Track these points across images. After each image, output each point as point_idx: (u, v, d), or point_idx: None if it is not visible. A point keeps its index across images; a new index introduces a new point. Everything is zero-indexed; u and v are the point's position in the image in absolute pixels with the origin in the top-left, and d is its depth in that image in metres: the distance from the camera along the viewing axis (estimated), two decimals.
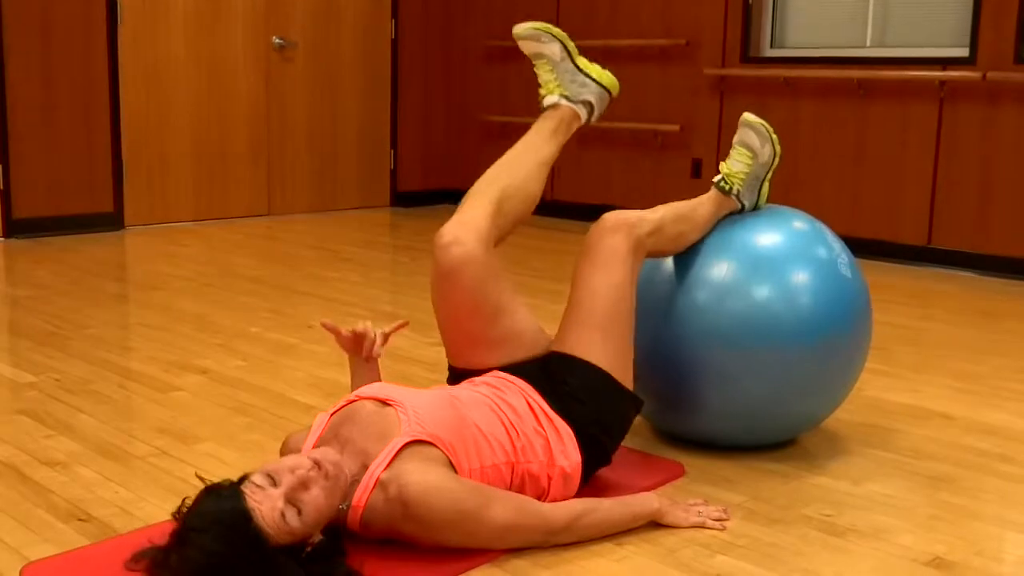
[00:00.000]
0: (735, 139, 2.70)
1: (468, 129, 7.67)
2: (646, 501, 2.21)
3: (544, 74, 2.66)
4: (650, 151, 6.61)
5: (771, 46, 6.15)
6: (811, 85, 5.86)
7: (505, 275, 2.35)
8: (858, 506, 2.35)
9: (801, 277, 2.51)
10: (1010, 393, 3.26)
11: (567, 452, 2.21)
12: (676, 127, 6.40)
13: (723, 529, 2.20)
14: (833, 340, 2.53)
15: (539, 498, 2.19)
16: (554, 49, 2.61)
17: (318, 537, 1.87)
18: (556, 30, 2.62)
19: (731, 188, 2.63)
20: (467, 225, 2.30)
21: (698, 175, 6.33)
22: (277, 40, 6.84)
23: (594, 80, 2.64)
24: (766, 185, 2.71)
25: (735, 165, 2.66)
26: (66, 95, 5.97)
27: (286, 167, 7.02)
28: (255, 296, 4.50)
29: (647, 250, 2.47)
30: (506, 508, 2.01)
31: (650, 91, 6.59)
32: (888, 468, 2.59)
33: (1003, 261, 5.26)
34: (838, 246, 2.64)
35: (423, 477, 1.93)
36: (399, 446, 1.98)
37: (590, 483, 2.32)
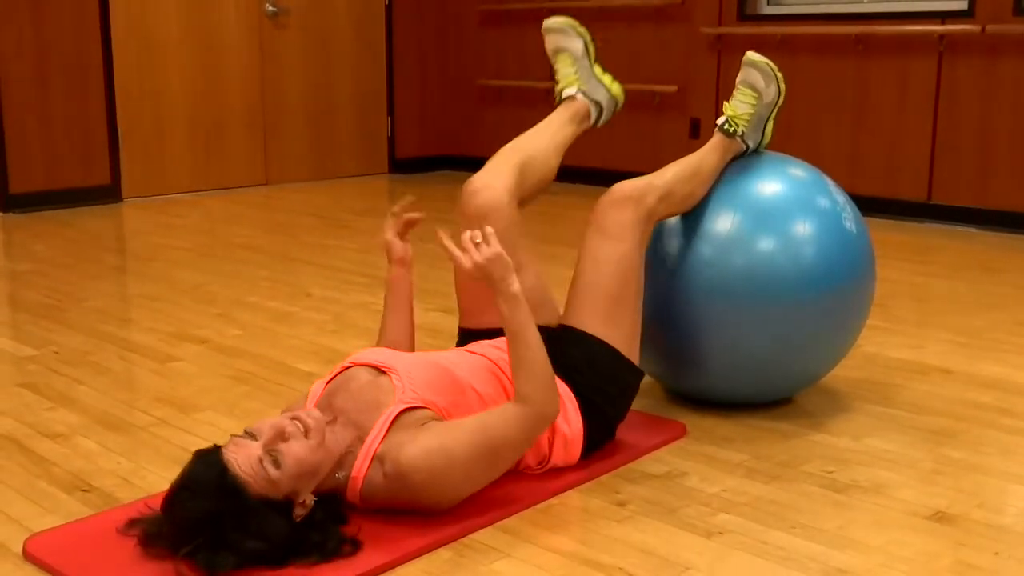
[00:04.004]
0: (739, 79, 2.64)
1: (465, 94, 7.63)
2: (504, 311, 2.03)
3: (564, 68, 2.68)
4: (648, 112, 6.58)
5: (768, 3, 6.10)
6: (809, 42, 5.81)
7: (526, 237, 2.39)
8: (859, 462, 2.35)
9: (804, 229, 2.48)
10: (1010, 347, 3.25)
11: (568, 417, 2.21)
12: (674, 88, 6.36)
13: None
14: (837, 293, 2.51)
15: (540, 463, 2.21)
16: (578, 45, 2.68)
17: (310, 499, 1.87)
18: (582, 28, 2.68)
19: (735, 130, 2.59)
20: (496, 175, 2.38)
21: (696, 135, 6.30)
22: (270, 7, 6.78)
23: (606, 88, 2.68)
24: (770, 124, 2.67)
25: (739, 107, 2.61)
26: (60, 68, 5.93)
27: (282, 136, 6.99)
28: (253, 265, 4.49)
29: (657, 218, 2.46)
30: (492, 438, 1.99)
31: (646, 51, 6.54)
32: (889, 423, 2.59)
33: (1003, 216, 5.24)
34: (842, 199, 2.61)
35: (414, 448, 1.92)
36: (393, 416, 1.98)
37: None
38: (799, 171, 2.62)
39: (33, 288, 4.08)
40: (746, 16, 6.06)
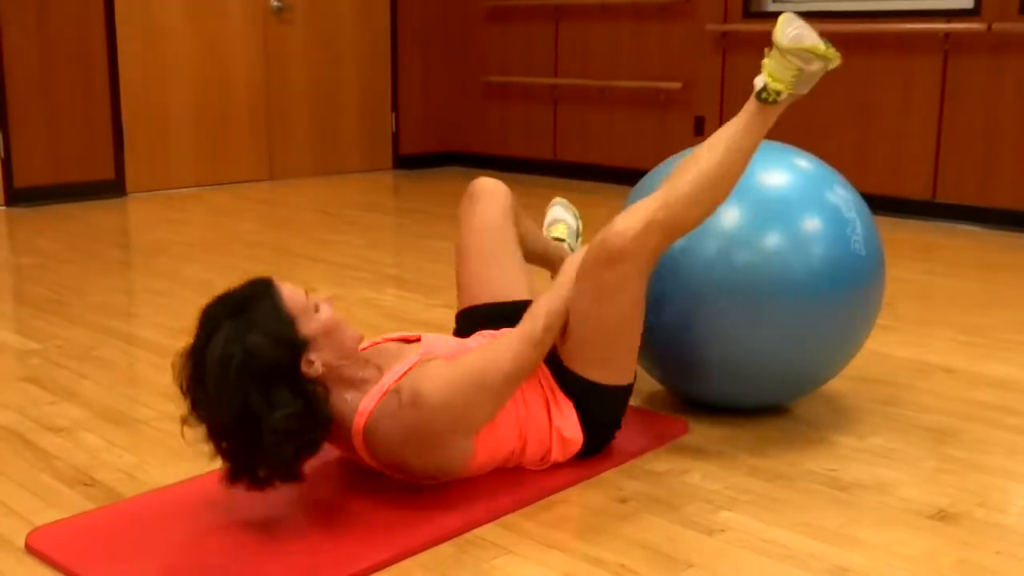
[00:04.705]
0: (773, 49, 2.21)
1: (469, 90, 7.62)
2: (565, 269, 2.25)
3: (559, 231, 2.93)
4: (653, 109, 6.57)
5: (773, 0, 6.09)
6: None
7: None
8: (862, 460, 2.35)
9: (814, 227, 2.38)
10: (1014, 346, 3.25)
11: (564, 415, 2.21)
12: (678, 85, 6.35)
13: None
14: (846, 295, 2.42)
15: (543, 458, 2.22)
16: (573, 225, 2.98)
17: (319, 368, 1.94)
18: (579, 219, 3.03)
19: (777, 99, 2.18)
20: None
21: (701, 132, 6.30)
22: (275, 2, 6.78)
23: None
24: (830, 55, 2.17)
25: (779, 71, 2.17)
26: (64, 62, 5.93)
27: (287, 131, 7.00)
28: (257, 261, 4.49)
29: (665, 248, 2.20)
30: (499, 355, 2.06)
31: (651, 49, 6.54)
32: (892, 422, 2.59)
33: (1007, 215, 5.24)
34: (853, 197, 2.49)
35: (432, 376, 1.98)
36: (415, 360, 2.06)
37: None
38: (809, 165, 2.52)
39: (37, 282, 4.09)
40: (751, 13, 6.06)
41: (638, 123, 6.66)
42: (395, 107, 7.50)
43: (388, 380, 2.03)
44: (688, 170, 2.17)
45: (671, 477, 2.25)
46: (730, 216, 2.40)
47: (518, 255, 2.53)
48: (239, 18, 6.66)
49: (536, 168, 7.09)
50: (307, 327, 1.96)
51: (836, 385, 2.83)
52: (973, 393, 2.81)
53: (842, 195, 2.49)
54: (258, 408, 1.86)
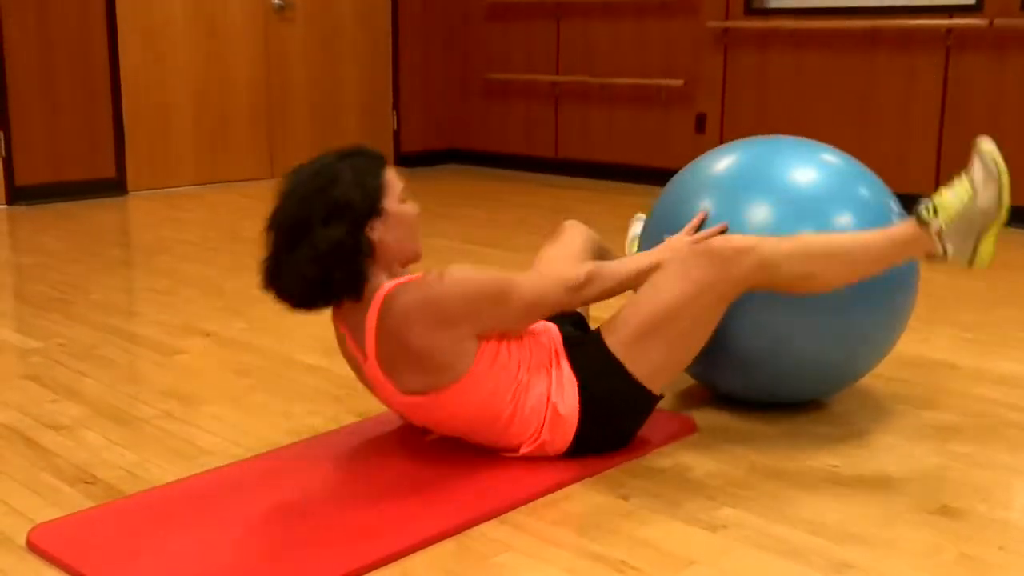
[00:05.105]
0: (966, 168, 2.27)
1: (470, 88, 7.62)
2: (654, 255, 2.31)
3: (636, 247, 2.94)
4: (654, 106, 6.57)
5: None
6: (816, 36, 5.79)
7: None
8: (864, 456, 2.35)
9: (848, 223, 2.37)
10: (1018, 343, 3.24)
11: (564, 394, 2.21)
12: (680, 82, 6.35)
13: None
14: (889, 292, 2.43)
15: (533, 436, 2.22)
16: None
17: (375, 236, 2.14)
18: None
19: (930, 220, 2.21)
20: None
21: (702, 130, 6.29)
22: (276, 0, 6.78)
23: None
24: (988, 241, 2.26)
25: (949, 197, 2.22)
26: (65, 60, 5.93)
27: (288, 129, 6.99)
28: (258, 259, 4.48)
29: (753, 285, 2.22)
30: (528, 281, 2.19)
31: (652, 45, 6.53)
32: (895, 418, 2.59)
33: (1012, 211, 5.20)
34: (886, 191, 2.50)
35: (463, 265, 2.16)
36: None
37: None
38: (839, 161, 2.51)
39: (38, 281, 4.09)
40: (752, 10, 6.05)
41: (639, 120, 6.65)
42: (396, 105, 7.50)
43: (416, 275, 2.18)
44: (822, 232, 2.31)
45: (673, 474, 2.25)
46: (764, 213, 2.38)
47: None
48: (240, 16, 6.65)
49: (537, 166, 7.09)
50: (391, 204, 2.18)
51: None
52: (977, 390, 2.81)
53: (876, 184, 2.51)
54: (313, 223, 2.10)
